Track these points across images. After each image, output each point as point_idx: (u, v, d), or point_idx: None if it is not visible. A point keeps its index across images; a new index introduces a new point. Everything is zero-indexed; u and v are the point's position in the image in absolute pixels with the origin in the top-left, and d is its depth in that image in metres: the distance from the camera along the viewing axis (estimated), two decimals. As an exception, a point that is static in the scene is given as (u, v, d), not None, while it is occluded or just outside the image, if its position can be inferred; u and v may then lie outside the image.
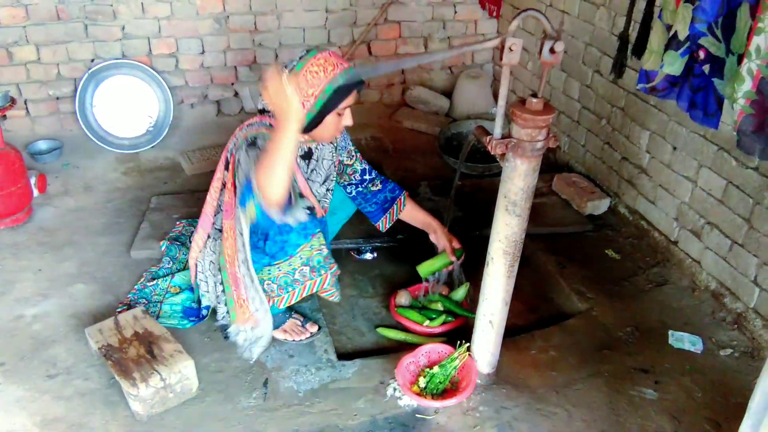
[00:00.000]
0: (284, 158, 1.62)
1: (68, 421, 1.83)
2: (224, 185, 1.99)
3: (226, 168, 1.97)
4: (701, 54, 1.41)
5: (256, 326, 2.00)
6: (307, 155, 2.05)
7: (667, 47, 1.47)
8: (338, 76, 1.83)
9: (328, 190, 2.19)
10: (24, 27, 3.18)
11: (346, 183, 2.31)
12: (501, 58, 1.48)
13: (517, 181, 1.62)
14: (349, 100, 1.90)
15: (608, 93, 2.83)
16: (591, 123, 3.01)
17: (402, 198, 2.35)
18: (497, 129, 1.57)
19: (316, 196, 2.10)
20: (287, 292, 1.95)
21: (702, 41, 1.41)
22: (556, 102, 3.29)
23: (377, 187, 2.33)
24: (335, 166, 2.20)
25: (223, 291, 2.03)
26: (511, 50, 1.47)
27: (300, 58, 1.84)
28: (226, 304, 2.05)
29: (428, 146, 3.52)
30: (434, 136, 3.53)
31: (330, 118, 1.89)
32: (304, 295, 2.00)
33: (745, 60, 1.26)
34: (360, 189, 2.32)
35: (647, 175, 2.65)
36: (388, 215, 2.36)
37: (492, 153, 1.58)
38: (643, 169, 2.67)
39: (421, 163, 3.39)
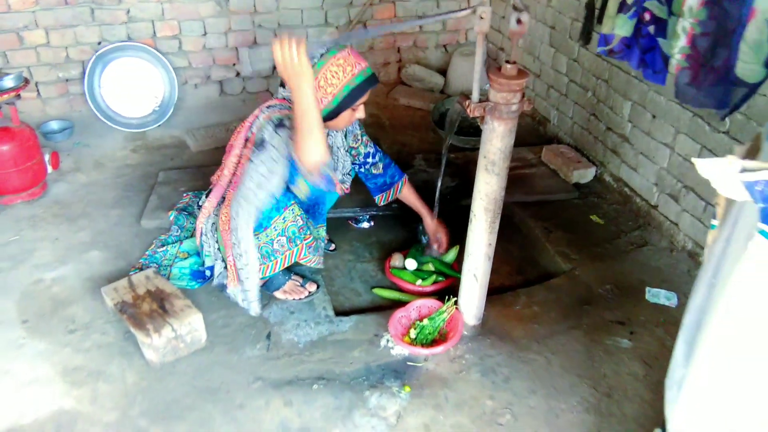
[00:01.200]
0: (311, 119, 1.79)
1: (88, 369, 2.00)
2: (239, 160, 2.13)
3: (245, 146, 2.11)
4: (647, 16, 1.55)
5: (244, 287, 2.15)
6: None
7: (619, 11, 1.61)
8: (356, 76, 1.99)
9: (346, 174, 2.36)
10: (33, 12, 3.31)
11: (351, 162, 2.47)
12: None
13: (495, 142, 1.75)
14: (365, 97, 2.06)
15: (593, 66, 2.95)
16: (578, 96, 3.13)
17: (399, 184, 2.52)
18: (475, 94, 1.71)
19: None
20: (270, 261, 2.10)
21: (647, 4, 1.54)
22: (546, 77, 3.41)
23: (378, 171, 2.49)
24: (346, 150, 2.36)
25: (219, 250, 2.19)
26: (482, 18, 1.60)
27: (321, 55, 1.97)
28: (223, 260, 2.20)
29: (423, 122, 3.66)
30: (429, 111, 3.66)
31: (345, 114, 2.06)
32: (286, 264, 2.14)
33: (681, 19, 1.39)
34: (362, 170, 2.49)
35: (629, 143, 2.78)
36: (384, 194, 2.53)
37: (471, 116, 1.71)
38: (626, 138, 2.80)
39: (416, 138, 3.53)
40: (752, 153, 1.02)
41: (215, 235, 2.21)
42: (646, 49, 1.58)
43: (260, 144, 1.99)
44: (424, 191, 2.66)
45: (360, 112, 2.11)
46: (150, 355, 1.98)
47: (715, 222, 1.11)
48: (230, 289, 2.19)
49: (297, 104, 1.79)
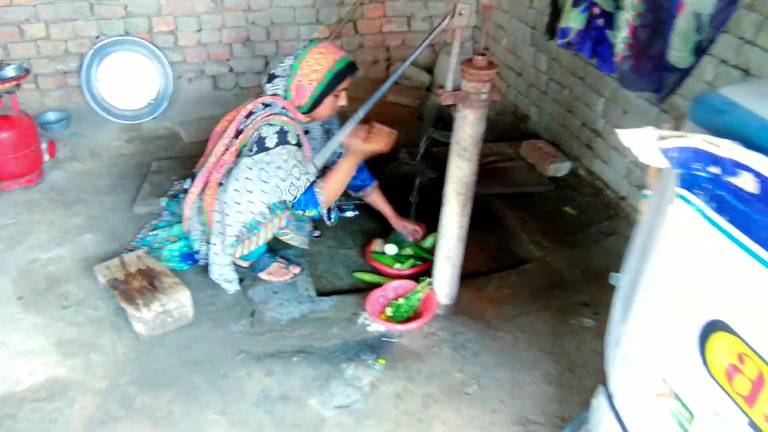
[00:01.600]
0: (348, 179, 2.32)
1: (80, 341, 2.11)
2: (227, 149, 2.26)
3: (236, 136, 2.24)
4: (596, 10, 1.69)
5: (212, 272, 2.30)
6: (306, 132, 2.35)
7: (574, 6, 1.75)
8: (337, 62, 2.18)
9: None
10: (35, 6, 3.43)
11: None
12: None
13: (467, 129, 1.88)
14: (345, 83, 2.24)
15: (571, 64, 3.09)
16: (556, 93, 3.27)
17: (369, 188, 2.65)
18: (448, 83, 1.84)
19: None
20: (254, 234, 2.22)
21: (596, -1, 1.69)
22: (527, 75, 3.54)
23: None
24: (324, 142, 2.49)
25: (204, 231, 2.31)
26: (461, 14, 1.74)
27: (303, 47, 2.19)
28: (208, 242, 2.33)
29: (410, 117, 3.78)
30: (415, 108, 3.79)
31: (328, 99, 2.24)
32: (269, 237, 2.26)
33: (624, 12, 1.53)
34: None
35: (602, 138, 2.92)
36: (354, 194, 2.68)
37: (443, 103, 1.84)
38: (599, 133, 2.93)
39: (402, 132, 3.59)
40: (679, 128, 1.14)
41: (200, 218, 2.33)
42: (597, 40, 1.72)
43: (261, 146, 2.13)
44: (406, 182, 2.79)
45: (342, 99, 2.27)
46: (139, 329, 2.10)
47: (647, 192, 1.23)
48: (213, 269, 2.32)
49: (349, 164, 2.28)
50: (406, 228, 2.65)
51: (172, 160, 3.23)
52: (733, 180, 0.89)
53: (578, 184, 3.11)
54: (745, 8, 2.04)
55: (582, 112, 3.05)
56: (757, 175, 0.82)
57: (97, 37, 3.61)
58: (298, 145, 2.20)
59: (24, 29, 3.47)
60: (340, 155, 2.43)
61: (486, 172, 3.13)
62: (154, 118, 3.68)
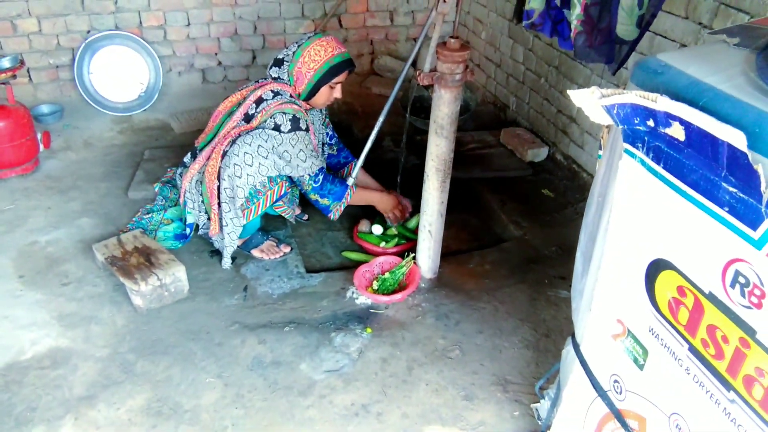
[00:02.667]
0: (364, 204, 2.61)
1: (81, 315, 2.22)
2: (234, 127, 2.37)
3: (246, 120, 2.35)
4: None
5: (224, 237, 2.41)
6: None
7: None
8: (335, 56, 2.33)
9: (325, 144, 2.72)
10: (27, 1, 3.52)
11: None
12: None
13: (443, 108, 2.01)
14: (341, 77, 2.38)
15: (546, 54, 3.24)
16: (533, 82, 3.41)
17: (353, 164, 2.75)
18: (426, 65, 1.97)
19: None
20: (253, 203, 2.34)
21: (553, -20, 1.84)
22: (505, 66, 3.69)
23: (333, 152, 2.78)
24: (323, 124, 2.68)
25: (202, 202, 2.43)
26: (444, 1, 1.87)
27: (308, 37, 2.34)
28: (206, 212, 2.44)
29: (393, 108, 3.87)
30: (398, 99, 3.92)
31: (324, 89, 2.37)
32: (268, 205, 2.38)
33: None
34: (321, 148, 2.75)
35: (576, 123, 3.06)
36: (339, 173, 2.80)
37: (420, 84, 1.97)
38: (573, 119, 3.08)
39: (386, 123, 3.77)
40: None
41: (200, 190, 2.44)
42: (557, 20, 1.86)
43: (276, 129, 2.27)
44: (391, 168, 2.92)
45: (337, 92, 2.43)
46: (137, 302, 2.21)
47: (601, 152, 1.37)
48: (212, 237, 2.46)
49: (375, 199, 2.64)
50: (389, 210, 2.77)
51: (164, 149, 3.34)
52: (666, 131, 1.02)
53: (555, 167, 3.26)
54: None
55: (557, 99, 3.19)
56: (683, 122, 0.96)
57: (89, 32, 3.70)
58: (307, 130, 2.34)
59: (16, 24, 3.55)
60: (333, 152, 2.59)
61: (468, 158, 3.29)
62: (144, 110, 3.78)
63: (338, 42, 2.38)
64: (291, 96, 2.36)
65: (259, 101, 2.34)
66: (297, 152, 2.31)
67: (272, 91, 2.35)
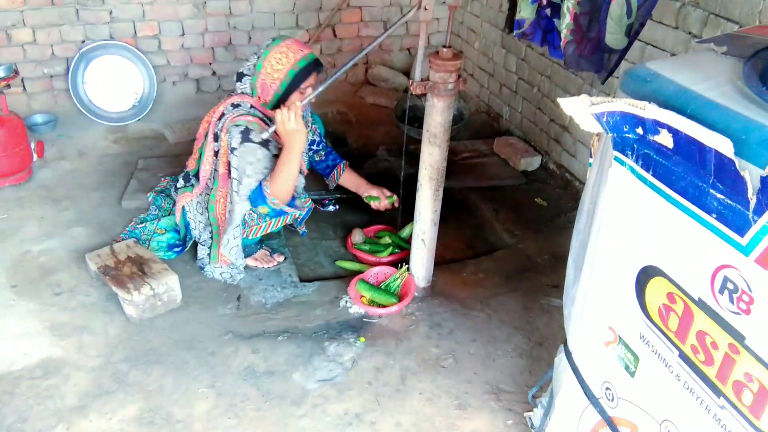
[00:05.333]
0: (293, 173, 2.20)
1: (73, 324, 2.20)
2: (216, 152, 2.35)
3: (215, 139, 2.33)
4: (544, 1, 1.85)
5: (232, 266, 2.42)
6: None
7: None
8: (299, 62, 2.25)
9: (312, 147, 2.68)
10: (21, 11, 3.52)
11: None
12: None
13: (436, 117, 2.02)
14: (310, 80, 2.30)
15: (538, 64, 3.26)
16: (525, 91, 3.44)
17: (342, 165, 2.77)
18: (417, 74, 1.98)
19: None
20: (265, 222, 2.34)
21: (543, -10, 1.86)
22: (498, 76, 3.72)
23: (321, 158, 2.76)
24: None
25: (210, 237, 2.43)
26: (425, 9, 1.88)
27: (267, 45, 2.25)
28: (209, 248, 2.44)
29: (387, 118, 3.93)
30: (392, 109, 3.94)
31: (294, 96, 2.30)
32: (279, 226, 2.39)
33: (566, 1, 1.70)
34: (308, 155, 2.73)
35: (569, 132, 3.09)
36: (330, 178, 2.79)
37: (413, 93, 1.98)
38: (566, 128, 3.10)
39: (380, 132, 3.80)
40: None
41: (204, 213, 2.45)
42: (547, 29, 1.88)
43: (235, 157, 2.23)
44: (385, 176, 2.92)
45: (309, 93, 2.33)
46: (130, 312, 2.20)
47: (591, 160, 1.38)
48: (209, 268, 2.44)
49: (286, 155, 2.17)
50: (382, 191, 2.73)
51: (158, 158, 3.34)
52: (655, 138, 1.04)
53: (548, 176, 3.27)
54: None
55: (550, 109, 3.22)
56: (671, 130, 0.97)
57: (83, 42, 3.71)
58: (266, 142, 2.25)
59: (11, 34, 3.56)
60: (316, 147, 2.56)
61: (462, 167, 3.30)
62: (139, 119, 3.79)
63: (300, 44, 2.28)
64: (252, 106, 2.29)
65: (221, 117, 2.30)
66: (245, 166, 2.21)
67: (232, 104, 2.30)
